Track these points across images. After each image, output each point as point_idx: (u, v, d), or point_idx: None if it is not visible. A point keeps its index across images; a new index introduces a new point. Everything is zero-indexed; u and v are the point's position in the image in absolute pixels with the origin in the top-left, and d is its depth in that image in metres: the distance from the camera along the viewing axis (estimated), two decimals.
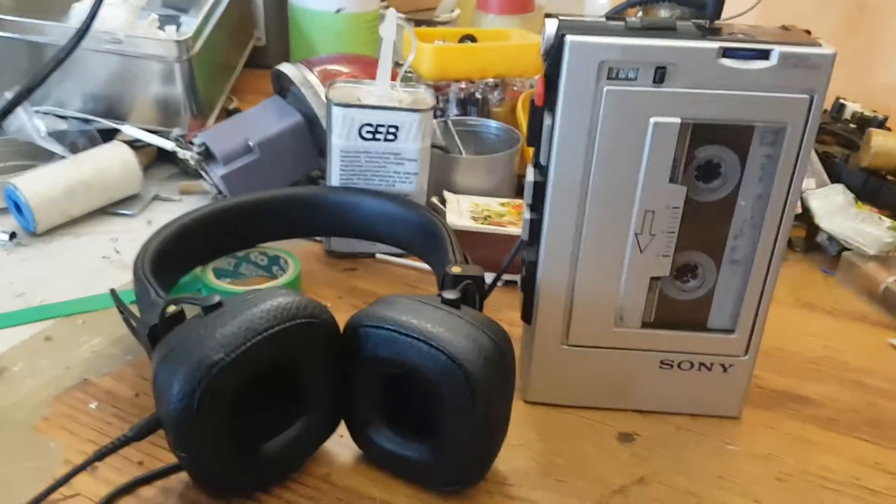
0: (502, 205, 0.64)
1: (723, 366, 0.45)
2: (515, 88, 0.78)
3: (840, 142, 0.78)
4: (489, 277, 0.45)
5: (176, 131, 0.74)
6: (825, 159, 0.72)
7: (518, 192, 0.70)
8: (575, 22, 0.39)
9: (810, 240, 0.67)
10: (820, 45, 0.39)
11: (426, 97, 0.60)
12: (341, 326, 0.39)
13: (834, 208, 0.65)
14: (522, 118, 0.74)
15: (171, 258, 0.49)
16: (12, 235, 0.63)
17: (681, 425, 0.46)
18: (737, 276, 0.43)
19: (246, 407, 0.36)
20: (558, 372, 0.46)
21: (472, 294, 0.42)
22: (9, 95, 0.65)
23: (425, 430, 0.39)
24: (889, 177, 0.71)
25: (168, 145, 0.69)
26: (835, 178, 0.70)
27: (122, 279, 0.57)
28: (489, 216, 0.62)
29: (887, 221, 0.64)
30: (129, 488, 0.39)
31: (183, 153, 0.67)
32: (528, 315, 0.45)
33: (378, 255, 0.63)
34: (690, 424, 0.46)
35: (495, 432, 0.39)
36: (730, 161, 0.41)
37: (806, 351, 0.54)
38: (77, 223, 0.65)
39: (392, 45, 0.57)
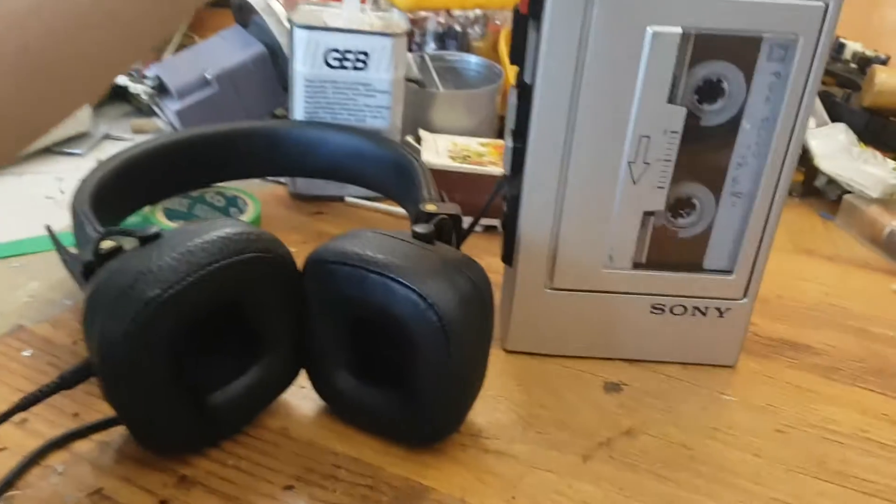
0: (482, 145, 0.60)
1: (718, 310, 0.42)
2: (498, 22, 0.74)
3: (840, 82, 0.74)
4: (468, 222, 0.41)
5: None
6: (825, 99, 0.68)
7: (500, 133, 0.66)
8: None
9: (808, 184, 0.64)
10: None
11: (399, 21, 0.55)
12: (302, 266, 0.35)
13: (835, 149, 0.61)
14: (505, 54, 0.69)
15: (115, 194, 0.44)
16: None
17: (672, 374, 0.43)
18: (737, 210, 0.40)
19: (190, 352, 0.32)
20: (541, 318, 0.42)
21: (448, 231, 0.38)
22: None
23: (395, 379, 0.35)
24: (893, 117, 0.67)
25: (119, 79, 0.64)
26: (835, 119, 0.67)
27: (67, 221, 0.52)
28: (468, 156, 0.57)
29: (891, 163, 0.60)
30: (60, 442, 0.35)
31: (135, 87, 0.62)
32: (508, 256, 0.42)
33: (347, 199, 0.58)
34: (682, 374, 0.43)
35: (471, 381, 0.35)
36: (734, 79, 0.37)
37: (805, 298, 0.51)
38: (19, 162, 0.61)
39: None
